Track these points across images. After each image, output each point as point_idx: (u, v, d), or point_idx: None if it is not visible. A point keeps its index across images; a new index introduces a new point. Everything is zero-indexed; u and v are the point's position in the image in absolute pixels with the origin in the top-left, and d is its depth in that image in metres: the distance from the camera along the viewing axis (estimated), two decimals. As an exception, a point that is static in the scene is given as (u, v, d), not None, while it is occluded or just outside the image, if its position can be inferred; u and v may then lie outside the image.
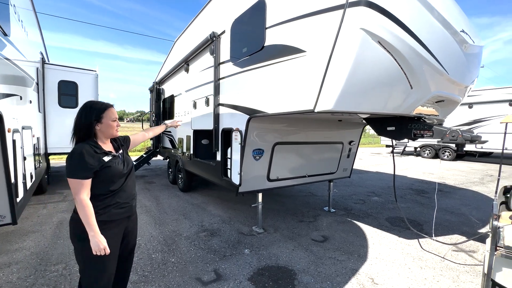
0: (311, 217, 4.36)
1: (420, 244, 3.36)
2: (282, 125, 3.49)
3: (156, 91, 7.29)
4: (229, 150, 3.61)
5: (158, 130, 2.29)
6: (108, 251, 1.42)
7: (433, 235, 3.63)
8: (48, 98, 5.33)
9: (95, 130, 1.52)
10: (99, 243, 1.39)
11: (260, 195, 3.71)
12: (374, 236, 3.64)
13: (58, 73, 5.49)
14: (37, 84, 4.46)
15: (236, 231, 3.71)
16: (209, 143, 5.12)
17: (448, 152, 12.76)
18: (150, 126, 7.52)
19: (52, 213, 4.35)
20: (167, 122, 2.61)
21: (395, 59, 1.95)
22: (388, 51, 1.92)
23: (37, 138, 4.19)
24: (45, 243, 3.24)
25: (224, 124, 3.74)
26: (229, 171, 3.60)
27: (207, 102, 4.16)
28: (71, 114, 5.67)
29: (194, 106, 4.72)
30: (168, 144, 6.90)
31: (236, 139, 3.31)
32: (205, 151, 5.00)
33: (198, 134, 4.96)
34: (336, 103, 2.01)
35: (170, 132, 6.64)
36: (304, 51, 2.23)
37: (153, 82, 7.29)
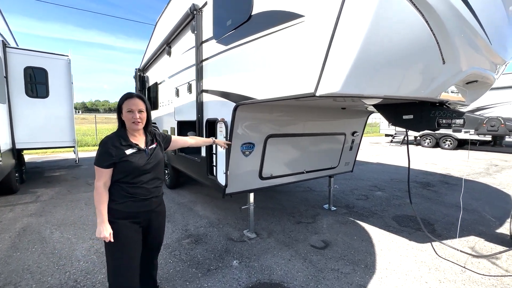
0: (309, 217, 3.91)
1: (434, 250, 2.94)
2: (276, 114, 2.97)
3: (139, 79, 6.67)
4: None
5: (201, 142, 2.31)
6: (108, 240, 1.46)
7: (457, 238, 3.21)
8: (12, 87, 4.71)
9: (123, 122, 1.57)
10: (102, 231, 1.45)
11: (251, 195, 3.23)
12: (382, 239, 3.20)
13: (24, 58, 4.85)
14: (-7, 70, 3.85)
15: (224, 237, 3.25)
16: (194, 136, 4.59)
17: (450, 141, 12.38)
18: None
19: (17, 217, 3.84)
20: (217, 140, 2.54)
21: (427, 21, 1.42)
22: (418, 8, 1.39)
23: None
24: (-2, 257, 2.76)
25: (208, 114, 3.21)
26: (214, 168, 3.10)
27: (189, 89, 3.61)
28: (42, 105, 5.08)
29: (177, 94, 4.17)
30: (154, 137, 6.35)
31: (221, 132, 2.79)
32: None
33: (183, 126, 4.42)
34: (344, 84, 1.49)
35: (155, 123, 6.08)
36: (301, 16, 1.69)
37: (136, 69, 6.65)
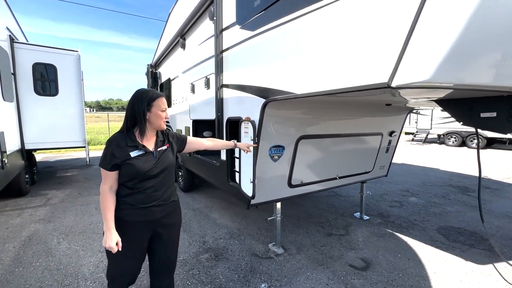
0: (341, 228, 3.47)
1: (501, 274, 2.44)
2: (309, 112, 2.54)
3: (151, 75, 6.36)
4: None
5: (220, 145, 2.00)
6: (115, 250, 1.32)
7: (513, 258, 2.70)
8: (20, 84, 4.48)
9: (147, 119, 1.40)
10: (108, 240, 1.32)
11: (278, 204, 2.82)
12: (432, 258, 2.73)
13: (32, 54, 4.61)
14: (-3, 65, 3.60)
15: (248, 251, 2.86)
16: (212, 136, 4.22)
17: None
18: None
19: (25, 224, 3.59)
20: (239, 143, 2.12)
21: None
22: None
23: (-2, 133, 3.37)
24: (-1, 272, 2.48)
25: (230, 112, 2.82)
26: (237, 175, 2.71)
27: (207, 84, 3.22)
28: (51, 103, 4.84)
29: (192, 90, 3.79)
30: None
31: (246, 133, 2.38)
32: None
33: (198, 125, 4.06)
34: (437, 71, 1.05)
35: (168, 122, 5.76)
36: (368, -21, 1.25)
37: (148, 65, 6.35)
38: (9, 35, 4.27)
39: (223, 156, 3.02)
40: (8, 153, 3.73)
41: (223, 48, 2.79)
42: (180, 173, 5.19)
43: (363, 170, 3.50)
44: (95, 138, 14.67)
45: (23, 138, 4.53)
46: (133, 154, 1.35)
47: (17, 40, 4.53)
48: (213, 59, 2.94)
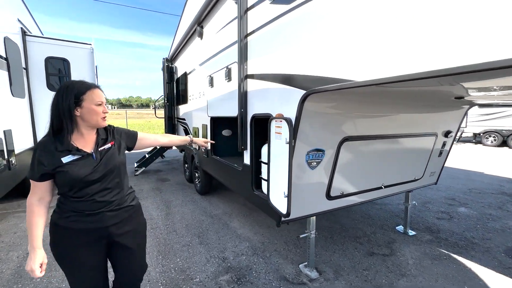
0: (383, 245, 2.93)
1: None
2: (357, 107, 2.03)
3: (167, 70, 6.04)
4: (264, 149, 2.26)
5: (177, 140, 1.81)
6: (36, 275, 1.14)
7: None
8: (33, 79, 4.28)
9: (75, 117, 1.17)
10: (30, 262, 1.15)
11: (313, 219, 2.35)
12: (511, 294, 2.14)
13: (45, 47, 4.39)
14: (6, 59, 3.36)
15: (275, 273, 2.41)
16: (233, 135, 3.80)
17: (523, 139, 10.34)
18: (165, 113, 6.35)
19: (34, 228, 3.36)
20: (196, 139, 1.93)
21: None
22: None
23: (4, 132, 3.12)
24: (-5, 289, 2.20)
25: (255, 107, 2.37)
26: (264, 184, 2.26)
27: (228, 75, 2.78)
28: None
29: (211, 83, 3.37)
30: (182, 134, 5.71)
31: (278, 134, 1.91)
32: (227, 146, 3.70)
33: (217, 123, 3.65)
34: None
35: (184, 119, 5.41)
36: None
37: (163, 59, 6.03)
38: (21, 28, 4.06)
39: (247, 160, 2.58)
40: (18, 152, 3.51)
41: (248, 32, 2.33)
42: (196, 174, 4.83)
43: (412, 177, 2.93)
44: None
45: (36, 136, 4.35)
46: (66, 159, 1.15)
47: (30, 33, 4.33)
48: (236, 45, 2.49)
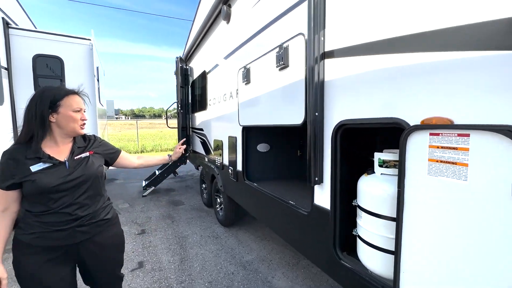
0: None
1: None
2: None
3: (181, 72, 5.12)
4: (364, 183, 1.19)
5: (153, 161, 1.67)
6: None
7: None
8: (17, 81, 3.42)
9: (50, 124, 1.14)
10: None
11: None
12: None
13: (33, 43, 3.55)
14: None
15: None
16: (271, 151, 2.76)
17: None
18: (178, 123, 5.38)
19: None
20: (176, 155, 1.78)
21: None
22: None
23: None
24: None
25: (347, 108, 1.30)
26: (363, 247, 1.18)
27: (282, 59, 1.74)
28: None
29: (246, 78, 2.36)
30: (199, 148, 4.71)
31: (450, 165, 0.83)
32: (263, 167, 2.67)
33: (253, 135, 2.63)
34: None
35: (202, 130, 4.43)
36: None
37: (177, 59, 5.11)
38: (2, 18, 3.23)
39: (322, 199, 1.49)
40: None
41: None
42: (218, 200, 3.79)
43: None
44: (125, 146, 14.12)
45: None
46: (35, 168, 1.09)
47: (15, 25, 3.51)
48: (302, 5, 1.47)
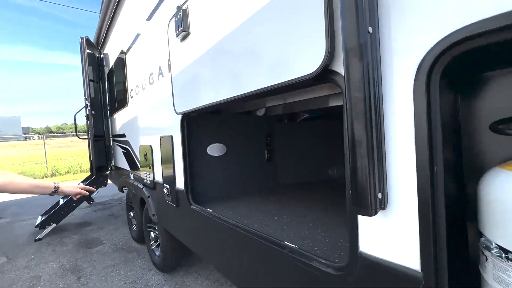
0: None
1: None
2: None
3: (91, 60, 3.72)
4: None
5: (21, 186, 1.04)
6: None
7: None
8: None
9: None
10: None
11: None
12: None
13: None
14: None
15: None
16: (228, 154, 1.82)
17: None
18: (89, 129, 3.85)
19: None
20: (67, 188, 1.19)
21: None
22: None
23: None
24: None
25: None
26: None
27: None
28: None
29: (181, 28, 1.37)
30: (122, 162, 3.38)
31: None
32: (224, 180, 1.70)
33: (197, 129, 1.65)
34: None
35: (123, 136, 3.17)
36: None
37: (81, 40, 3.66)
38: None
39: (391, 239, 0.63)
40: None
41: None
42: (151, 234, 2.61)
43: None
44: (29, 170, 10.94)
45: None
46: None
47: None
48: None
